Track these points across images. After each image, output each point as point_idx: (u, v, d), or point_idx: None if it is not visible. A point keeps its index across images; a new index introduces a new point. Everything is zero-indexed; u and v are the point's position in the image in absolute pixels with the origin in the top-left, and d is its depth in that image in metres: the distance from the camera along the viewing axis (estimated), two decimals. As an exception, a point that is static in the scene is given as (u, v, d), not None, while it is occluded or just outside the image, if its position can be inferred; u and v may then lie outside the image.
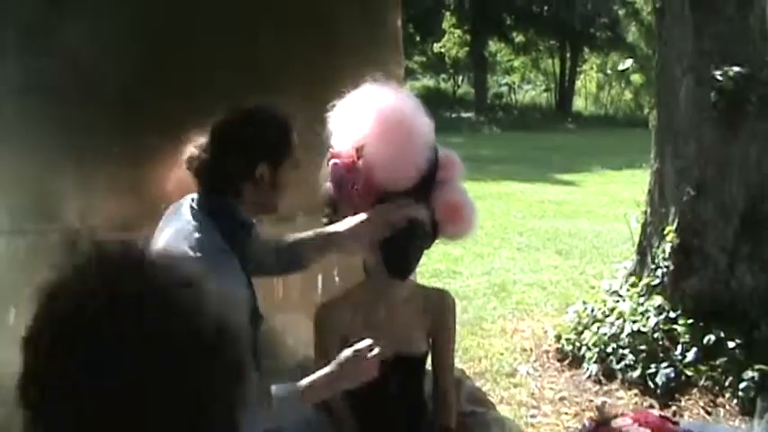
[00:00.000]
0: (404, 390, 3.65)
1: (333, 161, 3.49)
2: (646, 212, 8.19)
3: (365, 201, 3.46)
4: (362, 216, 3.45)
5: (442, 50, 46.23)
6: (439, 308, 3.74)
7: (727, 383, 6.72)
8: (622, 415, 3.46)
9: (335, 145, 3.54)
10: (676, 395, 6.82)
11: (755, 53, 7.41)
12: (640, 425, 3.33)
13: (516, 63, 51.43)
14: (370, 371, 3.08)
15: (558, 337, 8.15)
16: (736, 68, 7.11)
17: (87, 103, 4.39)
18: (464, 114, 40.53)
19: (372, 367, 3.07)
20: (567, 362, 7.84)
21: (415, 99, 3.63)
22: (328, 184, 3.55)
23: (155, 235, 3.27)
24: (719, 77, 7.11)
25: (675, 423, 3.56)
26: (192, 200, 3.28)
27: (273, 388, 2.94)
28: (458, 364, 4.31)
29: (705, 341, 6.92)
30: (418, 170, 3.46)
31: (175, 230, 3.17)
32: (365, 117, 3.46)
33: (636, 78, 43.47)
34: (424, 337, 3.70)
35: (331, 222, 3.57)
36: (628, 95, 47.13)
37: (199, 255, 2.94)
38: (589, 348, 7.60)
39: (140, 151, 4.43)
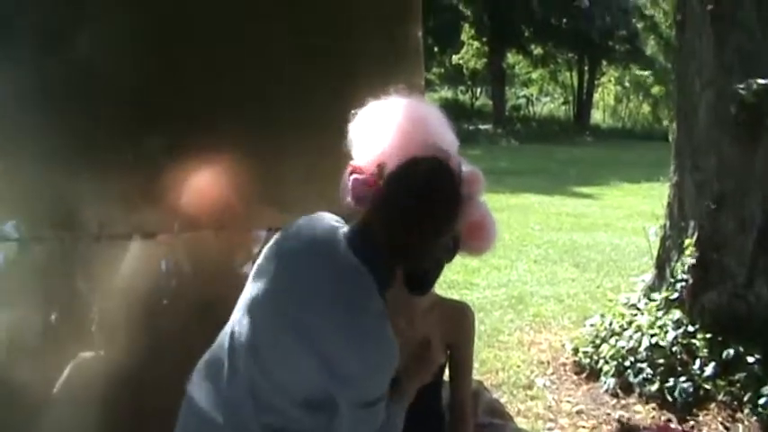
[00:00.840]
0: (421, 400, 3.62)
1: (354, 176, 3.46)
2: (665, 226, 8.16)
3: None
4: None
5: (461, 62, 46.29)
6: (458, 320, 3.72)
7: (746, 398, 6.68)
8: (645, 428, 3.43)
9: (356, 158, 3.51)
10: (694, 410, 6.78)
11: (776, 66, 7.39)
12: (664, 437, 3.31)
13: (534, 75, 51.47)
14: (433, 367, 3.35)
15: (576, 350, 8.13)
16: (759, 81, 7.08)
17: (105, 109, 4.40)
18: (482, 126, 40.52)
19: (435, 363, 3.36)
20: (584, 375, 7.82)
21: (440, 112, 3.57)
22: (349, 199, 3.53)
23: None
24: (740, 91, 7.09)
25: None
26: None
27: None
28: (475, 375, 4.30)
29: (724, 356, 6.89)
30: None
31: None
32: (388, 132, 3.41)
33: (655, 91, 43.47)
34: (442, 348, 3.68)
35: None
36: (646, 108, 47.15)
37: None
38: (607, 362, 7.58)
39: (158, 157, 4.43)
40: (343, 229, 3.06)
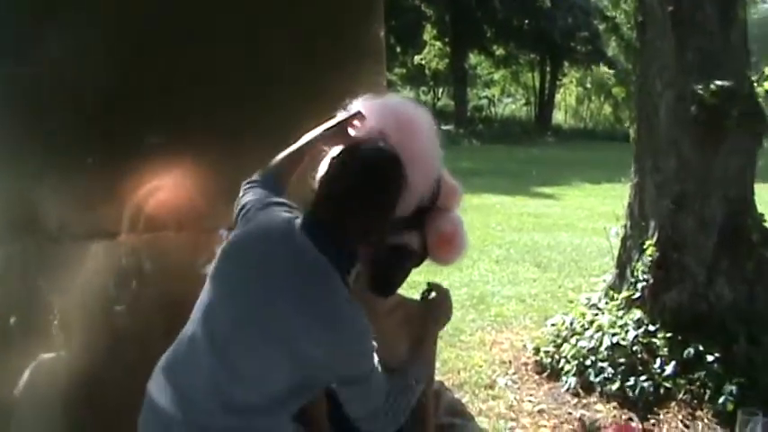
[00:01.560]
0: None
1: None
2: (625, 226, 8.20)
3: None
4: None
5: (423, 62, 46.32)
6: (421, 319, 3.72)
7: (706, 397, 6.72)
8: (605, 427, 3.44)
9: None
10: (655, 408, 6.82)
11: (736, 68, 7.44)
12: (623, 438, 3.32)
13: (496, 76, 51.69)
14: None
15: (537, 350, 8.15)
16: (717, 82, 7.13)
17: (66, 111, 4.37)
18: (444, 127, 40.44)
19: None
20: (545, 374, 7.84)
21: (430, 117, 3.56)
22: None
23: None
24: (700, 92, 7.13)
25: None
26: None
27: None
28: (436, 375, 4.29)
29: (684, 354, 6.93)
30: (421, 201, 3.43)
31: None
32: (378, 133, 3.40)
33: (616, 92, 43.59)
34: (406, 349, 3.68)
35: None
36: (607, 109, 47.40)
37: None
38: (568, 361, 7.60)
39: (119, 160, 4.40)
40: (298, 218, 3.07)
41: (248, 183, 3.47)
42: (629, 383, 6.99)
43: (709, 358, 6.82)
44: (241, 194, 3.41)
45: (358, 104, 3.48)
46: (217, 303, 3.04)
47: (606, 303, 7.99)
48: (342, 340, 2.89)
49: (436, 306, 3.64)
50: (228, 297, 3.02)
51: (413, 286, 3.78)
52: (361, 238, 3.09)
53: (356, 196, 2.99)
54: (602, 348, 7.36)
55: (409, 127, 3.40)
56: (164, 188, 4.45)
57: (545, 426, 6.89)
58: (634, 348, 7.21)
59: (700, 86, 7.13)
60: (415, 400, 3.28)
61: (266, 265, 2.98)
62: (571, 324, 8.04)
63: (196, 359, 3.01)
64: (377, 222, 3.09)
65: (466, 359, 8.35)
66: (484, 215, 17.34)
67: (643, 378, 6.97)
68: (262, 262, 3.00)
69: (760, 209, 7.70)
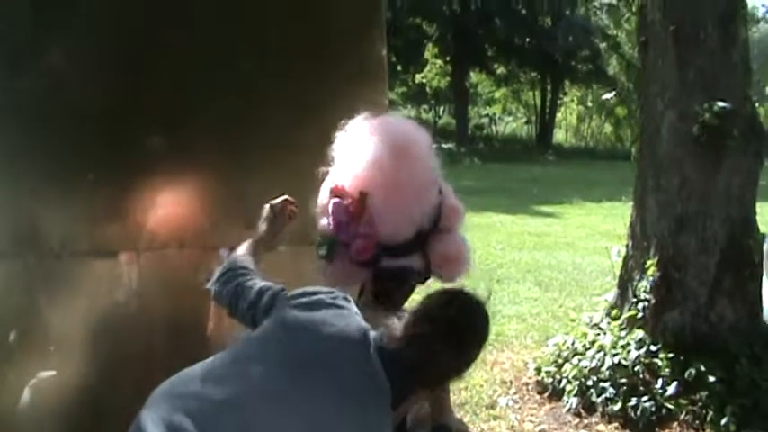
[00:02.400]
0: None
1: (336, 200, 3.43)
2: (627, 245, 8.19)
3: (364, 249, 3.42)
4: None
5: (424, 81, 46.36)
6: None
7: (708, 417, 6.70)
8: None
9: (339, 178, 3.48)
10: (657, 429, 6.80)
11: (738, 88, 7.44)
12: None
13: (497, 94, 51.71)
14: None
15: (539, 370, 8.13)
16: (719, 103, 7.13)
17: (69, 128, 4.36)
18: (445, 145, 40.50)
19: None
20: (546, 394, 7.82)
21: (429, 140, 3.56)
22: (326, 221, 3.49)
23: None
24: (702, 111, 7.13)
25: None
26: None
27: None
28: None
29: (686, 375, 6.91)
30: (420, 227, 3.43)
31: None
32: (376, 161, 3.39)
33: (617, 111, 43.60)
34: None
35: (327, 259, 3.52)
36: (608, 128, 47.41)
37: None
38: (569, 381, 7.58)
39: (122, 177, 4.40)
40: (370, 330, 2.98)
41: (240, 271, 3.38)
42: (630, 403, 6.97)
43: (711, 378, 6.81)
44: (245, 280, 3.31)
45: (356, 124, 3.49)
46: (263, 376, 2.90)
47: (608, 323, 7.97)
48: None
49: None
50: (274, 379, 2.89)
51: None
52: (428, 385, 3.06)
53: (449, 351, 2.93)
54: (603, 368, 7.34)
55: (405, 152, 3.40)
56: (166, 205, 4.44)
57: (546, 446, 6.88)
58: (636, 368, 7.19)
59: (702, 106, 7.13)
60: None
61: (330, 364, 2.89)
62: (572, 344, 8.02)
63: (216, 413, 2.93)
64: (450, 376, 3.08)
65: (467, 378, 8.31)
66: (485, 234, 17.31)
67: (645, 398, 6.95)
68: (326, 359, 2.91)
69: (762, 228, 7.70)
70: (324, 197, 3.50)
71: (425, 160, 3.46)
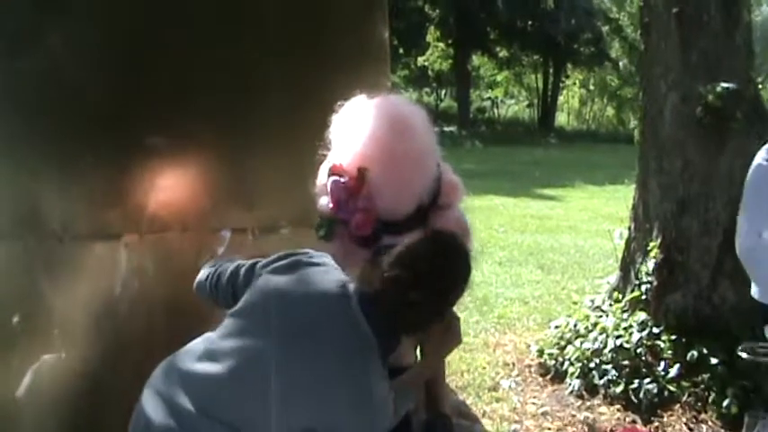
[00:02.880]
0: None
1: (334, 178, 3.44)
2: (630, 228, 8.18)
3: (364, 223, 3.42)
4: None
5: (426, 64, 46.31)
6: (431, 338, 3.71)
7: (710, 399, 6.70)
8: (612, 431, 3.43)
9: (337, 157, 3.48)
10: (659, 411, 6.79)
11: (741, 69, 7.42)
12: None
13: (499, 77, 51.65)
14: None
15: (541, 352, 8.13)
16: (722, 84, 7.11)
17: (69, 110, 4.36)
18: (447, 128, 40.54)
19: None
20: (549, 377, 7.82)
21: (425, 116, 3.56)
22: (325, 200, 3.50)
23: None
24: (705, 93, 7.12)
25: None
26: None
27: None
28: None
29: (688, 357, 6.90)
30: (420, 201, 3.43)
31: None
32: (373, 136, 3.39)
33: (620, 93, 43.66)
34: (411, 350, 3.67)
35: (326, 239, 3.52)
36: (610, 111, 47.41)
37: None
38: (572, 363, 7.58)
39: (123, 159, 4.40)
40: (350, 282, 3.00)
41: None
42: (633, 386, 6.96)
43: (714, 361, 6.79)
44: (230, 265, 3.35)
45: (352, 104, 3.49)
46: (240, 347, 2.96)
47: (610, 305, 7.96)
48: (367, 419, 2.85)
49: (446, 329, 3.43)
50: (255, 346, 2.94)
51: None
52: (410, 330, 3.07)
53: (427, 292, 2.95)
54: (606, 350, 7.33)
55: (402, 126, 3.40)
56: (168, 188, 4.44)
57: (549, 428, 6.87)
58: (638, 351, 7.18)
59: (704, 88, 7.11)
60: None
61: (316, 327, 2.92)
62: (575, 326, 8.01)
63: (213, 390, 2.96)
64: (430, 321, 3.08)
65: (469, 361, 8.33)
66: (487, 217, 17.30)
67: (647, 380, 6.94)
68: (311, 322, 2.94)
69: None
70: (323, 177, 3.50)
71: (422, 133, 3.46)
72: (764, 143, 5.08)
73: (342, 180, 3.40)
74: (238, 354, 2.93)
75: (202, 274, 3.41)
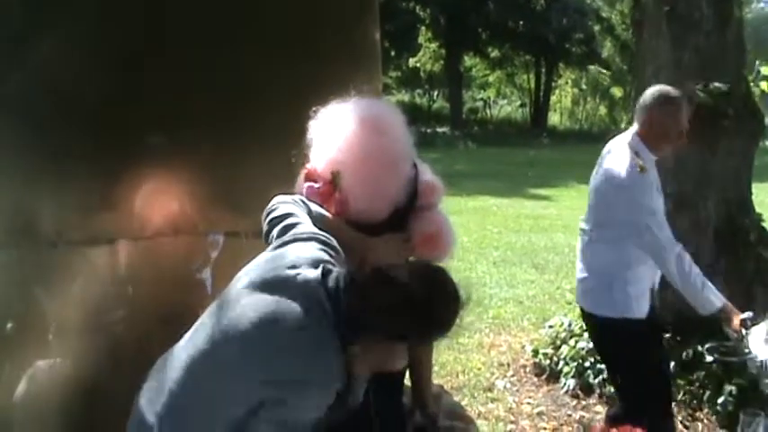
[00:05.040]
0: (383, 405, 3.60)
1: (309, 184, 3.44)
2: (623, 227, 8.18)
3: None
4: None
5: (418, 65, 46.36)
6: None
7: (705, 398, 6.71)
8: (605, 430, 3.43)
9: (312, 160, 3.49)
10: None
11: (733, 67, 7.43)
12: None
13: (491, 78, 51.73)
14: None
15: (536, 352, 8.14)
16: (714, 83, 7.12)
17: (63, 117, 4.35)
18: (439, 129, 40.62)
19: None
20: (544, 376, 7.84)
21: (399, 116, 3.55)
22: None
23: None
24: (697, 92, 7.12)
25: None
26: None
27: None
28: (435, 379, 4.28)
29: (683, 355, 6.91)
30: (396, 204, 3.42)
31: None
32: (346, 141, 3.39)
33: (612, 92, 43.69)
34: (402, 353, 3.66)
35: None
36: (603, 110, 47.46)
37: None
38: (567, 363, 7.59)
39: (116, 165, 4.38)
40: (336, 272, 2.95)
41: None
42: (628, 385, 6.98)
43: (709, 359, 6.80)
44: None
45: (327, 109, 3.48)
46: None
47: (605, 304, 7.97)
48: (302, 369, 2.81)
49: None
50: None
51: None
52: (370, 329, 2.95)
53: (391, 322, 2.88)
54: (600, 350, 7.34)
55: (374, 129, 3.39)
56: (160, 193, 4.43)
57: (544, 428, 6.89)
58: (633, 349, 7.19)
59: (697, 86, 7.12)
60: None
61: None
62: (569, 326, 8.02)
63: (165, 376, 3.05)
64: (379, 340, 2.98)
65: (464, 362, 8.34)
66: (480, 217, 17.34)
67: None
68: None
69: (758, 209, 7.69)
70: (300, 183, 3.50)
71: (395, 134, 3.44)
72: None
73: (316, 186, 3.41)
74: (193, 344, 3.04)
75: None
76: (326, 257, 3.02)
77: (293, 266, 2.93)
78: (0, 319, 4.38)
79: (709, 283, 5.23)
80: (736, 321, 4.97)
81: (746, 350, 4.46)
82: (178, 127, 4.38)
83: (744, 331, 4.76)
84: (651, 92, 5.36)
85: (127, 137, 4.36)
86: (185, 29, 4.50)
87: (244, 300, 2.90)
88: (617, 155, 5.29)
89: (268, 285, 2.90)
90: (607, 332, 5.41)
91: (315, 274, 2.89)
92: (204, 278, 4.29)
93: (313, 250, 3.04)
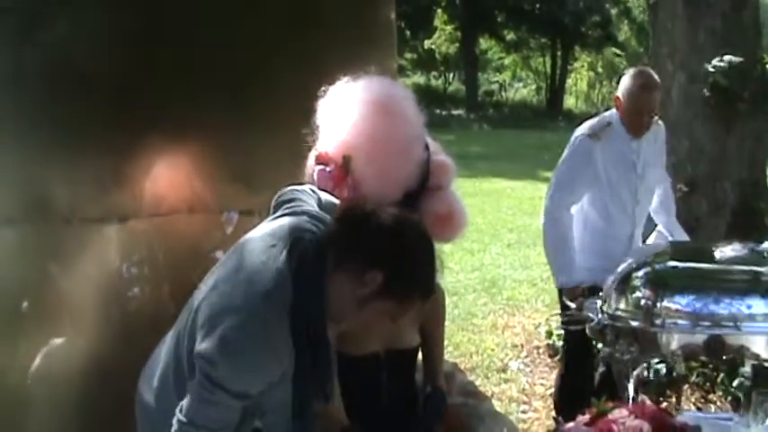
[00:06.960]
0: (396, 383, 3.62)
1: (320, 167, 3.42)
2: (638, 209, 8.17)
3: None
4: None
5: (433, 47, 46.24)
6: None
7: (718, 380, 6.71)
8: (619, 407, 3.43)
9: (322, 144, 3.46)
10: (667, 391, 6.79)
11: (748, 49, 7.41)
12: (637, 416, 3.30)
13: (507, 61, 51.49)
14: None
15: (549, 333, 8.14)
16: (730, 57, 7.10)
17: (77, 94, 4.36)
18: (454, 112, 40.51)
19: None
20: (557, 358, 7.82)
21: (410, 96, 3.53)
22: None
23: None
24: (713, 69, 7.11)
25: (671, 415, 3.53)
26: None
27: None
28: (449, 359, 4.29)
29: (697, 338, 6.91)
30: (407, 187, 3.40)
31: None
32: (357, 124, 3.36)
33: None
34: (414, 331, 3.67)
35: None
36: (618, 94, 47.17)
37: None
38: (580, 344, 7.59)
39: (130, 142, 4.39)
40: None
41: None
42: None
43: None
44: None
45: (336, 89, 3.46)
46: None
47: (618, 286, 7.97)
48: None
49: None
50: None
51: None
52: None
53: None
54: (613, 331, 7.34)
55: (386, 112, 3.37)
56: (175, 170, 4.44)
57: (557, 409, 6.89)
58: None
59: (712, 68, 7.10)
60: None
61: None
62: (583, 307, 8.02)
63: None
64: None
65: (478, 343, 8.35)
66: (495, 200, 17.32)
67: (656, 361, 6.94)
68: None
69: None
70: (310, 166, 3.48)
71: (406, 116, 3.41)
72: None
73: (327, 169, 3.37)
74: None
75: None
76: (310, 227, 2.97)
77: (273, 245, 2.89)
78: (15, 295, 4.40)
79: (576, 262, 5.62)
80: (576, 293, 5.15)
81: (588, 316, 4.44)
82: (191, 105, 4.39)
83: (583, 301, 4.75)
84: (630, 71, 5.50)
85: (140, 114, 4.37)
86: (201, 5, 4.51)
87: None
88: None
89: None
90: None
91: (283, 254, 2.85)
92: (219, 257, 4.30)
93: (300, 223, 2.99)
